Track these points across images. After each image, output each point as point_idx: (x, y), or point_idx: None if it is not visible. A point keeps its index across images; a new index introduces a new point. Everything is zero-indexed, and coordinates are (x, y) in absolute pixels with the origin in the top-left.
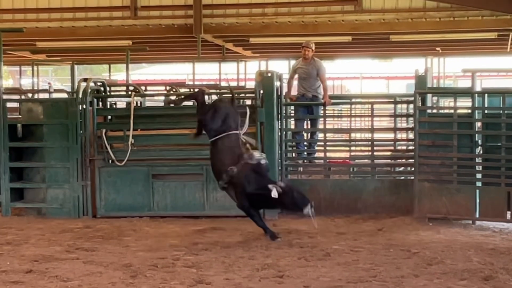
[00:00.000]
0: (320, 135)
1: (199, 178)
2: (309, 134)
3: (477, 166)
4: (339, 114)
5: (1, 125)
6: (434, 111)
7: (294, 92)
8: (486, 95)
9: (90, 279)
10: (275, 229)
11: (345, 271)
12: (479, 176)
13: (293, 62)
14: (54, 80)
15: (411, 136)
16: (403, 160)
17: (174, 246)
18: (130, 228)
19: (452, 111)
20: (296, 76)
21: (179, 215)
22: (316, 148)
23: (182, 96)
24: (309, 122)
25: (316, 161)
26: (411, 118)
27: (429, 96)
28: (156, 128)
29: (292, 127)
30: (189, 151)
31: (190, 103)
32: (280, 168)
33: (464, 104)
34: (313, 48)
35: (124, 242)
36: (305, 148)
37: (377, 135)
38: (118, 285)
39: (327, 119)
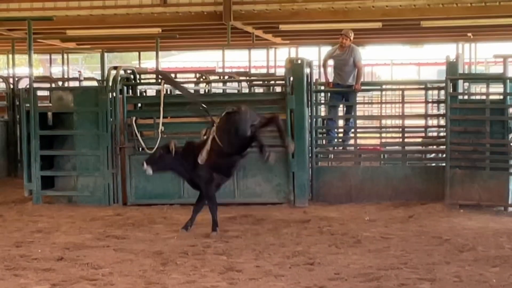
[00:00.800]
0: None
1: None
2: (342, 121)
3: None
4: (370, 101)
5: (31, 113)
6: (466, 97)
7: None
8: None
9: (121, 266)
10: (305, 216)
11: (376, 258)
12: None
13: (323, 48)
14: (84, 68)
15: (442, 122)
16: (434, 147)
17: (205, 234)
18: (160, 216)
19: (483, 97)
20: (331, 62)
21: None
22: (351, 135)
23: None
24: (344, 109)
25: (347, 147)
26: (442, 105)
27: (460, 82)
28: (186, 116)
29: (323, 114)
30: None
31: (220, 90)
32: (310, 155)
33: (494, 90)
34: (352, 37)
35: (155, 230)
36: (336, 135)
37: (408, 122)
38: (148, 273)
39: (357, 106)
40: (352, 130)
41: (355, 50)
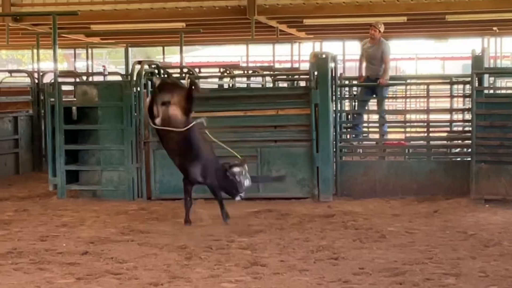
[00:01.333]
0: (375, 116)
1: (253, 160)
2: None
3: None
4: (394, 95)
5: (56, 108)
6: (491, 91)
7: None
8: None
9: (145, 260)
10: (329, 210)
11: (400, 253)
12: None
13: (347, 43)
14: (108, 63)
15: (467, 117)
16: (460, 141)
17: (229, 228)
18: (184, 210)
19: (509, 91)
20: None
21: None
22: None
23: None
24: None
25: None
26: (468, 99)
27: (486, 76)
28: (210, 110)
29: (347, 108)
30: (243, 133)
31: (244, 85)
32: (334, 150)
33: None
34: (381, 29)
35: (179, 224)
36: (362, 130)
37: (433, 116)
38: (173, 267)
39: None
40: (384, 124)
41: (383, 44)
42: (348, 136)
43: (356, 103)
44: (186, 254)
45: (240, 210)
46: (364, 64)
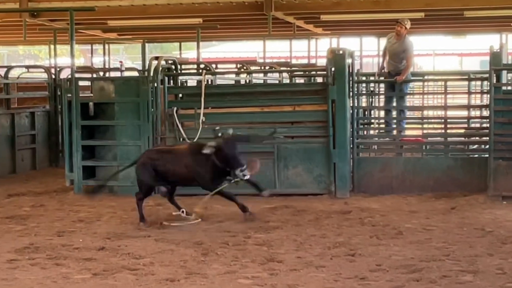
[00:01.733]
0: (393, 113)
1: (270, 156)
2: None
3: None
4: (411, 92)
5: (73, 104)
6: (510, 88)
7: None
8: None
9: (161, 256)
10: (346, 207)
11: (417, 250)
12: None
13: (365, 39)
14: (125, 58)
15: (485, 113)
16: (477, 138)
17: (245, 224)
18: (201, 207)
19: None
20: None
21: (250, 193)
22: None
23: None
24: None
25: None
26: (485, 95)
27: (504, 72)
28: (227, 106)
29: (364, 104)
30: (260, 129)
31: (261, 80)
32: (351, 146)
33: None
34: (407, 26)
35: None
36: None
37: (450, 113)
38: (189, 263)
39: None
40: (404, 120)
41: (407, 43)
42: (365, 132)
43: (372, 100)
44: (203, 250)
45: (256, 207)
46: (387, 58)
